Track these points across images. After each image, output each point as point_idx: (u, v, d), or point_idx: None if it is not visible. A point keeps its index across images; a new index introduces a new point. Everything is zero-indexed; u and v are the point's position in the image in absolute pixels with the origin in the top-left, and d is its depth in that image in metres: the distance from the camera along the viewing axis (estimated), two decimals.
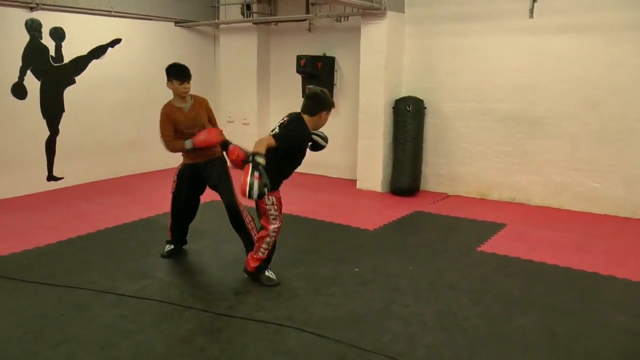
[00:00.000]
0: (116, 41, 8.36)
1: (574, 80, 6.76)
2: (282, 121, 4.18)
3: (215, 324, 3.74)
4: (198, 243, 5.36)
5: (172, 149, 4.72)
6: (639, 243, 5.72)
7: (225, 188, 4.75)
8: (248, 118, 9.37)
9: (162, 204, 6.82)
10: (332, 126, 8.65)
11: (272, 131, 4.17)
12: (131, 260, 4.97)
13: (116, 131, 8.56)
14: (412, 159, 7.59)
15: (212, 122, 4.94)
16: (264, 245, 4.33)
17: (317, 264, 4.92)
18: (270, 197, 4.15)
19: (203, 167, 4.77)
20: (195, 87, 9.76)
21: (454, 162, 7.73)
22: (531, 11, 6.89)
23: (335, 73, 8.60)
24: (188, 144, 4.60)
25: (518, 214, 6.79)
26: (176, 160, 4.59)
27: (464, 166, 7.65)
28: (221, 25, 9.54)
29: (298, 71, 8.41)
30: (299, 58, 8.33)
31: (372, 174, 7.94)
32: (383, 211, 6.80)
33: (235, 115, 9.50)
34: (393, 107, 7.71)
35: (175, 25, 9.28)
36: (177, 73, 4.64)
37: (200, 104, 4.84)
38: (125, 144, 8.70)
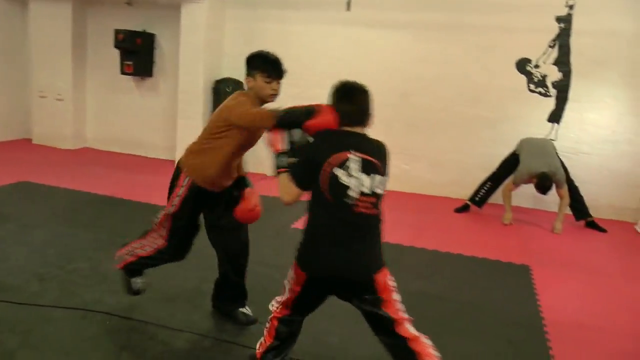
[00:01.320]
0: None
1: (388, 71, 7.29)
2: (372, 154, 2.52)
3: (16, 314, 3.48)
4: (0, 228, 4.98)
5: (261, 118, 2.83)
6: (439, 218, 6.40)
7: (242, 227, 3.51)
8: (62, 94, 8.76)
9: None
10: (151, 105, 8.57)
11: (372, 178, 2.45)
12: None
13: None
14: None
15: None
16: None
17: None
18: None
19: (216, 196, 3.38)
20: (1, 59, 8.81)
21: None
22: (348, 4, 7.27)
23: (155, 51, 8.37)
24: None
25: None
26: None
27: None
28: None
29: (116, 46, 8.06)
30: (116, 32, 7.98)
31: None
32: None
33: (48, 90, 8.83)
34: (213, 88, 7.70)
35: None
36: (271, 65, 3.16)
37: None
38: None
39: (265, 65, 3.13)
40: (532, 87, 7.03)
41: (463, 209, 6.79)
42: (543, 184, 5.95)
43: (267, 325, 2.77)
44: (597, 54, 6.77)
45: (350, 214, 2.40)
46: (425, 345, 2.46)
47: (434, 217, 6.42)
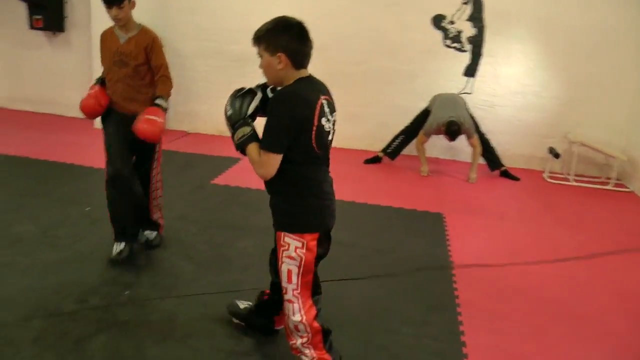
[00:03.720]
0: None
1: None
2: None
3: None
4: None
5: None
6: (355, 170, 6.50)
7: (142, 152, 3.81)
8: None
9: None
10: (64, 62, 8.22)
11: None
12: None
13: None
14: None
15: (156, 66, 3.70)
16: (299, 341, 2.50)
17: (45, 206, 4.65)
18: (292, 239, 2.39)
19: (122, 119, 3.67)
20: None
21: (193, 100, 7.78)
22: None
23: (65, 4, 7.95)
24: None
25: None
26: None
27: (202, 104, 7.77)
28: None
29: None
30: None
31: None
32: None
33: None
34: None
35: None
36: None
37: (143, 38, 3.67)
38: None
39: None
40: (447, 42, 7.18)
41: (373, 160, 6.93)
42: (450, 128, 6.13)
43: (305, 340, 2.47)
44: (507, 11, 6.97)
45: (327, 158, 2.43)
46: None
47: (351, 170, 6.50)
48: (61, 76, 8.27)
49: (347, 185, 5.81)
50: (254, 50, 2.39)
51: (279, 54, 2.26)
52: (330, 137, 2.37)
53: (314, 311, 2.44)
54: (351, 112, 7.39)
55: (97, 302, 3.21)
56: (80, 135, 7.24)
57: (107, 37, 3.71)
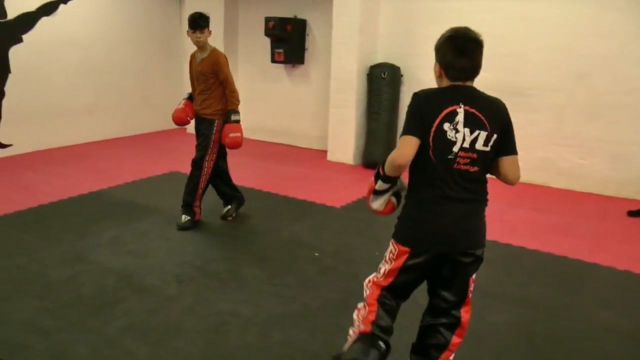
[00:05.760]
0: None
1: (561, 48, 6.26)
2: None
3: (149, 321, 3.25)
4: (145, 221, 4.86)
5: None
6: (624, 225, 5.34)
7: (199, 143, 4.80)
8: None
9: (117, 174, 6.33)
10: (302, 93, 8.27)
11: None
12: (70, 240, 4.44)
13: (70, 95, 7.91)
14: (387, 130, 7.09)
15: (222, 81, 4.71)
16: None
17: (273, 246, 4.46)
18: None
19: (198, 121, 4.90)
20: (158, 51, 9.20)
21: None
22: None
23: (306, 37, 8.02)
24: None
25: (495, 191, 6.33)
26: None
27: None
28: None
29: (266, 34, 7.83)
30: (267, 20, 7.73)
31: (344, 145, 7.44)
32: (353, 186, 6.31)
33: None
34: (367, 74, 7.17)
35: None
36: (189, 21, 4.68)
37: (211, 58, 4.68)
38: (80, 109, 8.07)
39: (189, 21, 4.66)
40: None
41: (639, 213, 5.65)
42: None
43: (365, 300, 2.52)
44: None
45: (449, 171, 2.25)
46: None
47: (617, 226, 5.35)
48: (298, 108, 8.36)
49: (610, 246, 4.75)
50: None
51: (436, 62, 2.32)
52: (456, 149, 2.23)
53: (372, 315, 2.43)
54: (614, 152, 6.22)
55: None
56: (313, 168, 7.14)
57: (192, 58, 4.87)
